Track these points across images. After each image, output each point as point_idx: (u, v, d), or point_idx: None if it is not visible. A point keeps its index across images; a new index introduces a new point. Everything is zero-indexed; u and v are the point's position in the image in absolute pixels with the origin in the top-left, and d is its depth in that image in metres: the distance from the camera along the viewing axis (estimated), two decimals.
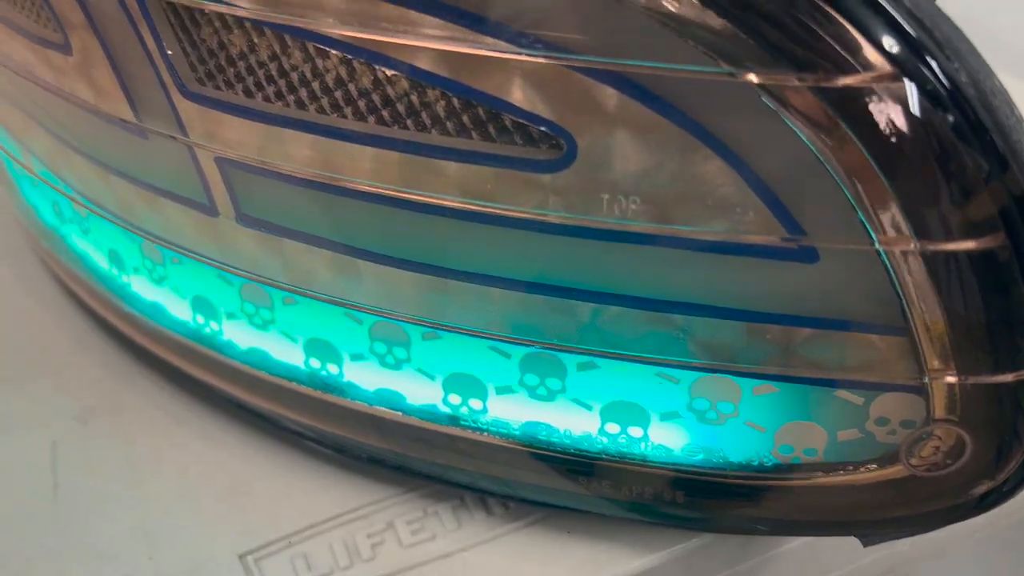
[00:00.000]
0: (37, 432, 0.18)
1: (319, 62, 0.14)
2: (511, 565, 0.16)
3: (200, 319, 0.18)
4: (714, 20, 0.11)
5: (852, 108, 0.12)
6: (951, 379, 0.14)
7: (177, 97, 0.15)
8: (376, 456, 0.17)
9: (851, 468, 0.15)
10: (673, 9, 0.11)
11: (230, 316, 0.17)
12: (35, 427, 0.18)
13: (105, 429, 0.18)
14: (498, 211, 0.14)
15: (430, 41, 0.13)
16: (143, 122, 0.16)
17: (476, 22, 0.12)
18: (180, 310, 0.18)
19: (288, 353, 0.17)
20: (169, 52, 0.15)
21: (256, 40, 0.14)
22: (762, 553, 0.18)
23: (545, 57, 0.12)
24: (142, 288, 0.19)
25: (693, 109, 0.12)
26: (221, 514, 0.17)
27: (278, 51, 0.14)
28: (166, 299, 0.18)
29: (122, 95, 0.16)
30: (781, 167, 0.12)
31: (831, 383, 0.14)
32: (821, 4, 0.11)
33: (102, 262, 0.19)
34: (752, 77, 0.12)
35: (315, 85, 0.14)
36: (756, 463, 0.15)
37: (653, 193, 0.13)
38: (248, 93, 0.15)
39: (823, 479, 0.15)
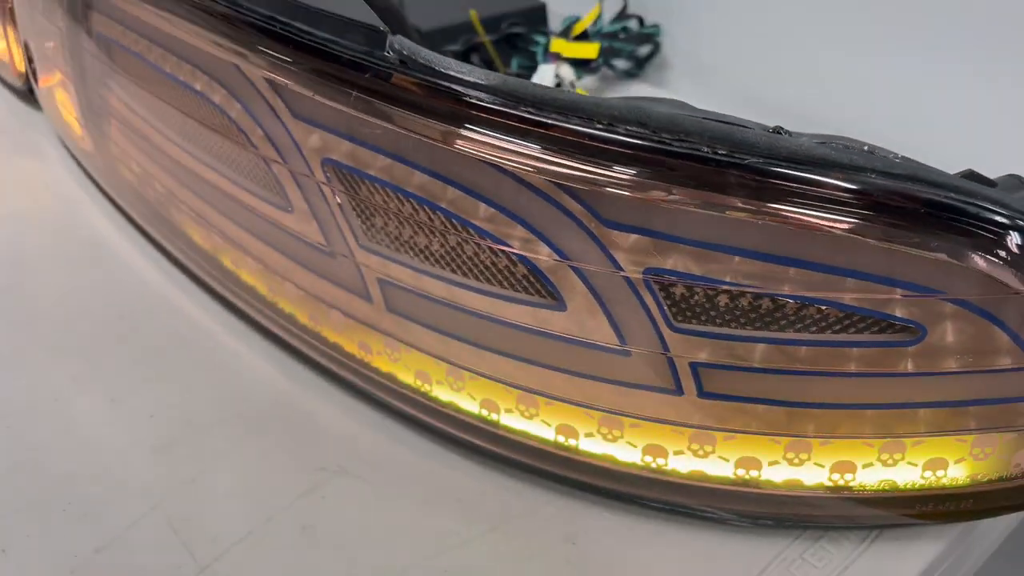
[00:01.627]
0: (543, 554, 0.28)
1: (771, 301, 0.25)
2: None
3: (649, 459, 0.28)
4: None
5: None
6: None
7: (665, 331, 0.26)
8: None
9: None
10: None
11: (677, 453, 0.28)
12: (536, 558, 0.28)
13: (594, 549, 0.28)
14: (881, 371, 0.25)
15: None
16: (629, 347, 0.27)
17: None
18: (630, 456, 0.28)
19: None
20: (665, 307, 0.26)
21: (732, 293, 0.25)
22: None
23: (928, 296, 0.24)
24: (592, 446, 0.29)
25: (998, 311, 0.24)
26: None
27: (747, 302, 0.25)
28: (617, 450, 0.28)
29: (612, 332, 0.27)
30: None
31: None
32: None
33: (547, 434, 0.29)
34: None
35: (776, 313, 0.25)
36: None
37: (962, 350, 0.25)
38: (716, 324, 0.26)
39: None
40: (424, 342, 0.31)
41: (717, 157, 0.24)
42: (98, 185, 0.48)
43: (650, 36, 0.61)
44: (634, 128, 0.24)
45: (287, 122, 0.31)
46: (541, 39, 0.58)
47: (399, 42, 0.27)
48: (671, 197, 0.24)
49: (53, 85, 0.50)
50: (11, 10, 0.54)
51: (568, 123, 0.25)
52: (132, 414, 0.33)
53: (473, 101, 0.26)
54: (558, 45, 0.52)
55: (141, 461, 0.31)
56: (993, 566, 0.32)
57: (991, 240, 0.24)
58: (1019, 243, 0.24)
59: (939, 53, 0.48)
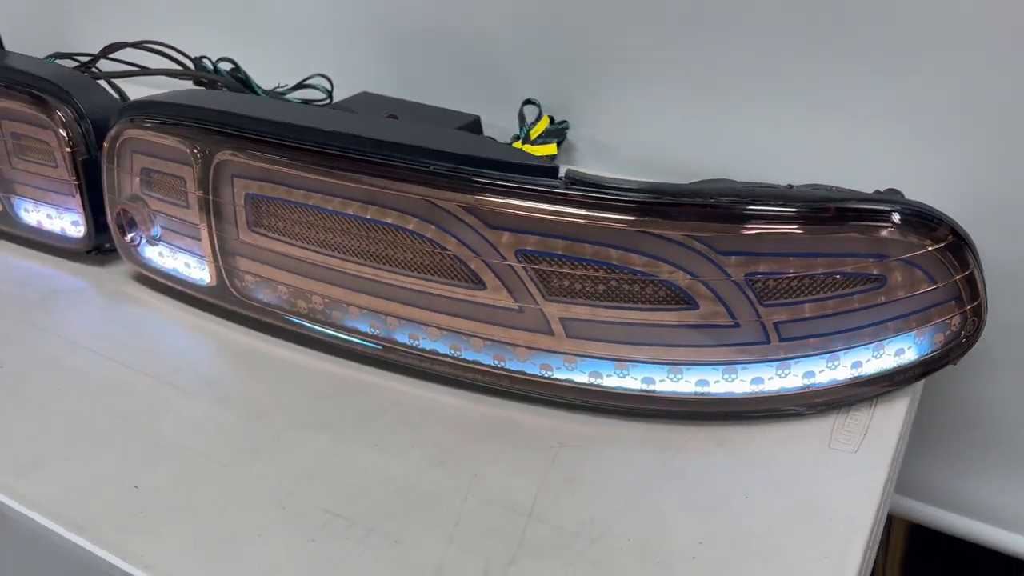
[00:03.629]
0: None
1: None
2: None
3: (755, 387, 0.48)
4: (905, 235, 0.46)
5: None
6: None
7: (759, 308, 0.46)
8: None
9: None
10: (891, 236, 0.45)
11: (770, 379, 0.48)
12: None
13: (738, 443, 0.47)
14: (869, 305, 0.47)
15: None
16: (739, 321, 0.46)
17: None
18: (746, 389, 0.48)
19: None
20: (758, 293, 0.45)
21: (791, 278, 0.45)
22: None
23: (883, 259, 0.46)
24: (727, 388, 0.48)
25: (915, 260, 0.46)
26: None
27: (798, 281, 0.46)
28: (735, 387, 0.48)
29: (728, 315, 0.46)
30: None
31: None
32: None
33: (689, 390, 0.48)
34: (929, 246, 0.46)
35: (816, 284, 0.46)
36: None
37: (904, 285, 0.47)
38: (786, 297, 0.46)
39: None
40: (596, 351, 0.48)
41: (782, 206, 0.44)
42: (219, 310, 0.60)
43: (561, 130, 0.82)
44: (732, 197, 0.44)
45: (483, 232, 0.48)
46: None
47: (571, 172, 0.45)
48: (755, 231, 0.44)
49: (149, 238, 0.62)
50: (80, 187, 0.65)
51: (693, 202, 0.44)
52: (397, 450, 0.48)
53: (632, 198, 0.44)
54: (528, 148, 0.71)
55: (431, 474, 0.46)
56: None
57: (886, 220, 0.46)
58: (898, 219, 0.46)
59: (781, 104, 0.72)
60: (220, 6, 1.00)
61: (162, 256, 0.62)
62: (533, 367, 0.50)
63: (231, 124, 0.54)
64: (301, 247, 0.54)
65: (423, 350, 0.53)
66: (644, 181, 0.45)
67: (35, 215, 0.70)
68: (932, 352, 0.49)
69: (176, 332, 0.60)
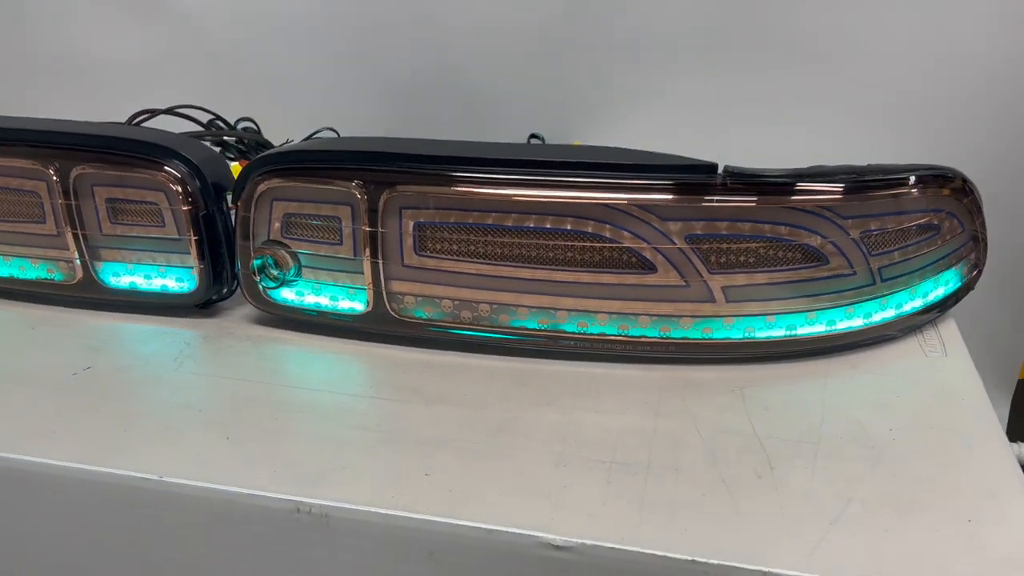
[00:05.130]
0: None
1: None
2: None
3: (866, 319, 0.62)
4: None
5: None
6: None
7: (869, 257, 0.61)
8: None
9: None
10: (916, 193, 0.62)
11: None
12: None
13: (870, 363, 0.61)
14: (931, 249, 0.63)
15: None
16: (855, 269, 0.61)
17: None
18: (858, 324, 0.62)
19: None
20: (869, 247, 0.60)
21: (883, 231, 0.61)
22: None
23: (938, 213, 0.62)
24: (845, 326, 0.62)
25: (952, 210, 0.63)
26: None
27: (890, 236, 0.61)
28: (854, 323, 0.62)
29: (848, 265, 0.60)
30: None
31: None
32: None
33: (820, 332, 0.62)
34: (963, 199, 0.63)
35: (900, 236, 0.61)
36: None
37: (949, 231, 0.64)
38: (888, 247, 0.61)
39: None
40: (751, 310, 0.61)
41: (882, 177, 0.59)
42: (363, 335, 0.67)
43: None
44: (852, 175, 0.59)
45: (656, 224, 0.59)
46: None
47: (729, 166, 0.58)
48: (869, 198, 0.59)
49: (285, 280, 0.67)
50: (200, 242, 0.68)
51: (825, 180, 0.58)
52: (617, 411, 0.57)
53: (782, 182, 0.58)
54: None
55: (659, 423, 0.56)
56: None
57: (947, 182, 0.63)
58: (955, 181, 0.63)
59: (761, 117, 0.89)
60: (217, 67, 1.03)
61: (300, 295, 0.68)
62: (696, 332, 0.62)
63: (401, 163, 0.62)
64: (472, 262, 0.63)
65: (591, 334, 0.63)
66: (780, 169, 0.59)
67: (127, 278, 0.72)
68: (964, 281, 0.67)
69: (342, 358, 0.65)
